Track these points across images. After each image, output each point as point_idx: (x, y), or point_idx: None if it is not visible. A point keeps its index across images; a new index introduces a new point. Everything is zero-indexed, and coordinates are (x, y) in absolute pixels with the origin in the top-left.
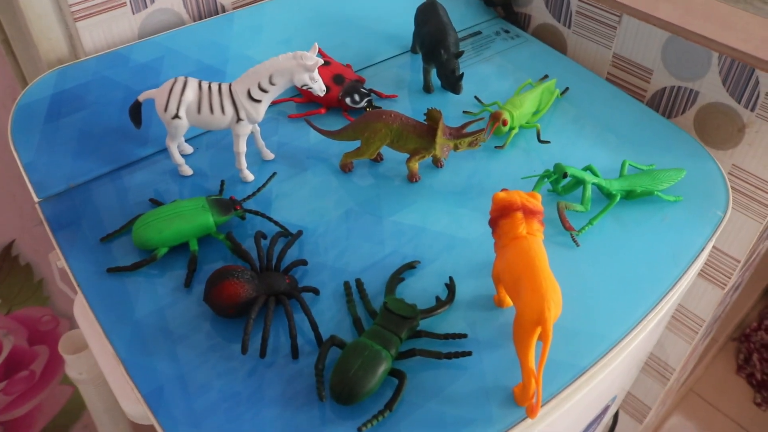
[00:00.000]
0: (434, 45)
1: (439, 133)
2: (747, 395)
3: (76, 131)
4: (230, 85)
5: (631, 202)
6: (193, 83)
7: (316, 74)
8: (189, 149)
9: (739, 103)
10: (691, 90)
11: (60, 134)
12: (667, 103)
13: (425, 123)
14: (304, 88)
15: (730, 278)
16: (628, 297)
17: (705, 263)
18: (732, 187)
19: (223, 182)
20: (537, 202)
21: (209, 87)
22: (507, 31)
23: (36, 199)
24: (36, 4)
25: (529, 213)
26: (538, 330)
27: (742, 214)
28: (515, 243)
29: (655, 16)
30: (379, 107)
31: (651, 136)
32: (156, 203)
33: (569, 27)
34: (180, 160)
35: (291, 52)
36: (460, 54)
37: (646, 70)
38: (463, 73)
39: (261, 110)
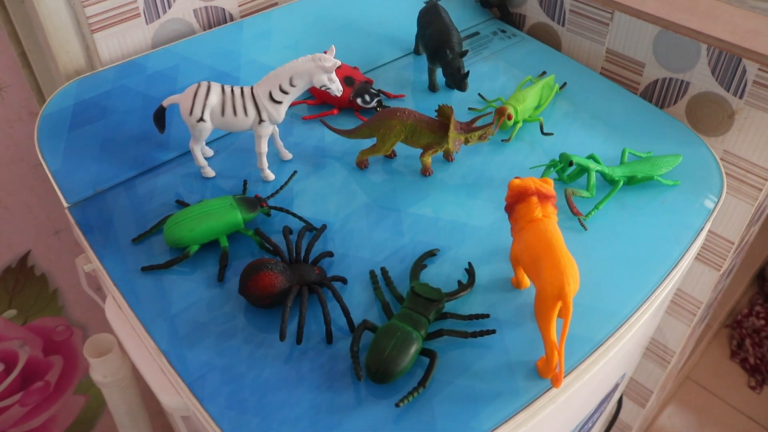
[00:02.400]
0: (439, 45)
1: (452, 127)
2: (742, 379)
3: (100, 138)
4: (252, 88)
5: (633, 188)
6: (216, 87)
7: (333, 75)
8: (210, 152)
9: (728, 91)
10: (682, 81)
11: (84, 142)
12: (659, 94)
13: (437, 119)
14: (323, 88)
15: (725, 260)
16: (636, 276)
17: (702, 246)
18: (725, 172)
19: (246, 182)
20: (550, 187)
21: (232, 90)
22: (504, 31)
23: (65, 205)
24: (55, 17)
25: (543, 197)
26: (559, 304)
27: (734, 197)
28: (532, 225)
29: (645, 12)
30: (389, 107)
31: (646, 125)
32: (182, 204)
33: (563, 25)
34: (203, 162)
35: (310, 55)
36: (464, 53)
37: (638, 64)
38: (468, 71)
39: (282, 111)
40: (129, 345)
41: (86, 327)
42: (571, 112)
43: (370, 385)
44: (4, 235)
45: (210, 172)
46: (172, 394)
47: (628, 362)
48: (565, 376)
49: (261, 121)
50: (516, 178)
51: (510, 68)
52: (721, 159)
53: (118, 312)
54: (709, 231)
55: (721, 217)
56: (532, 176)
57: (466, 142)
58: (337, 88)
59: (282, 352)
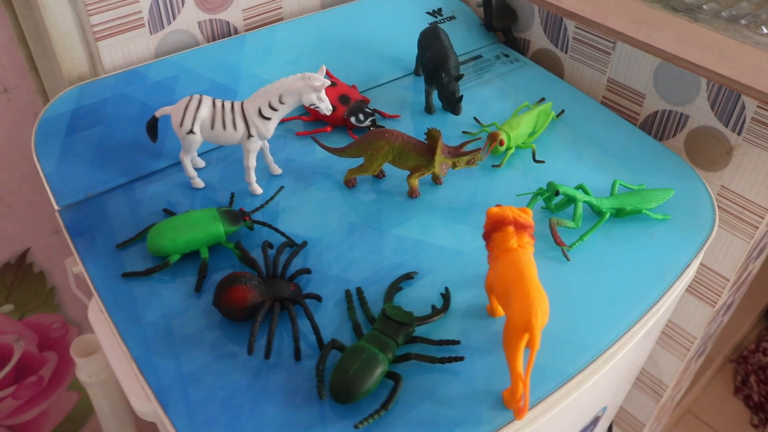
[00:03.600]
0: (436, 68)
1: (438, 151)
2: (744, 417)
3: (95, 144)
4: (242, 104)
5: (622, 220)
6: (207, 101)
7: (323, 94)
8: (201, 163)
9: (726, 126)
10: (682, 114)
11: (80, 147)
12: (659, 126)
13: (425, 142)
14: (312, 107)
15: (719, 296)
16: (615, 309)
17: (695, 281)
18: (721, 208)
19: (233, 195)
20: (528, 217)
21: (222, 105)
22: (507, 55)
23: (56, 207)
24: (61, 24)
25: (520, 227)
26: (526, 336)
27: (731, 233)
28: (506, 255)
29: (647, 43)
30: (383, 126)
31: (643, 157)
32: (169, 213)
33: (566, 52)
34: (193, 173)
35: (300, 74)
36: (460, 77)
37: (639, 95)
38: (462, 96)
39: (270, 127)
40: (107, 348)
41: (81, 326)
42: (567, 140)
43: (334, 405)
44: (4, 232)
45: (199, 183)
46: (143, 399)
47: (610, 395)
48: (530, 408)
49: (250, 136)
50: (498, 206)
51: (509, 93)
52: (718, 195)
53: (99, 315)
54: (705, 266)
55: (717, 253)
56: (512, 205)
57: (454, 166)
58: (326, 107)
59: (251, 366)
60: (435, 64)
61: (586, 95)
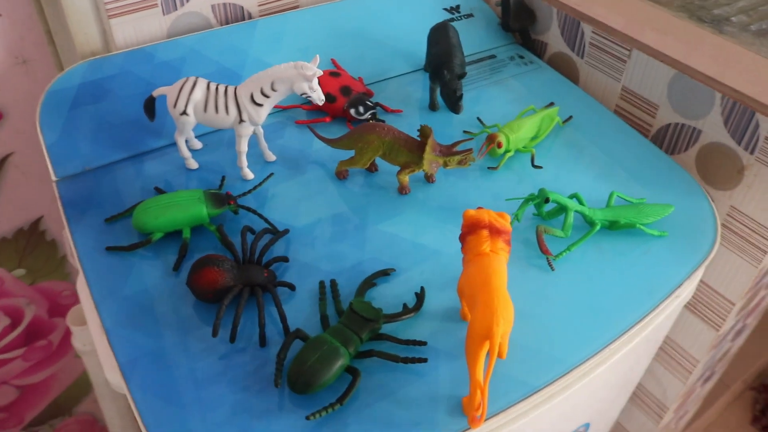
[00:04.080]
0: (440, 65)
1: (428, 149)
2: None
3: (98, 119)
4: (236, 89)
5: (617, 234)
6: (202, 84)
7: (315, 84)
8: (198, 145)
9: (739, 144)
10: (694, 128)
11: (83, 120)
12: (671, 139)
13: (418, 139)
14: (303, 96)
15: (724, 320)
16: (594, 324)
17: (700, 303)
18: (729, 229)
19: (223, 178)
20: (505, 222)
21: (216, 88)
22: (521, 57)
23: (54, 178)
24: (75, 0)
25: (495, 232)
26: (487, 343)
27: (738, 256)
28: (477, 259)
29: (662, 53)
30: (383, 120)
31: (649, 170)
32: (160, 191)
33: (582, 57)
34: (187, 153)
35: (292, 62)
36: (462, 75)
37: (652, 105)
38: (462, 94)
39: (262, 113)
40: (89, 318)
41: None
42: (573, 147)
43: (291, 395)
44: (19, 198)
45: (193, 164)
46: (115, 371)
47: (592, 412)
48: (489, 418)
49: (241, 121)
50: (478, 208)
51: (519, 95)
52: (727, 215)
53: (84, 286)
54: (710, 288)
55: (723, 276)
56: (504, 211)
57: (445, 165)
58: (318, 96)
59: (216, 348)
60: (439, 61)
61: (598, 102)
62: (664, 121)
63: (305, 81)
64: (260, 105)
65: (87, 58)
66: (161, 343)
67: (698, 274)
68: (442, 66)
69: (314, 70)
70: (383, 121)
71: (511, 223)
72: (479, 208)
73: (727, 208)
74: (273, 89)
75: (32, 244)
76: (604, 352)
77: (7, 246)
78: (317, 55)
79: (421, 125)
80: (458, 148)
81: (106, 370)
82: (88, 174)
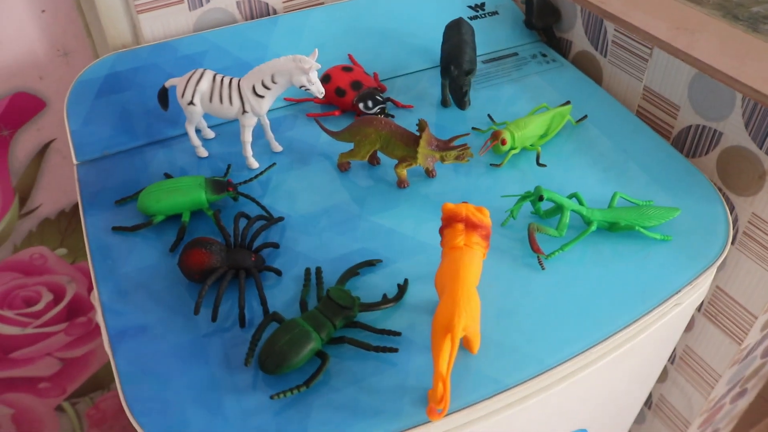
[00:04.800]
0: (449, 61)
1: (422, 143)
2: None
3: (120, 108)
4: (239, 81)
5: (621, 236)
6: (208, 75)
7: (313, 77)
8: (211, 134)
9: (760, 148)
10: (715, 130)
11: (105, 109)
12: (692, 142)
13: (416, 133)
14: (303, 89)
15: (747, 334)
16: (579, 327)
17: (721, 314)
18: (751, 237)
19: (229, 166)
20: (483, 216)
21: (222, 80)
22: (544, 55)
23: (75, 162)
24: None
25: (471, 226)
26: (450, 336)
27: (760, 266)
28: (451, 252)
29: (683, 51)
30: (392, 116)
31: (664, 173)
32: (169, 177)
33: (605, 56)
34: (197, 142)
35: (291, 55)
36: (470, 72)
37: (673, 106)
38: (467, 90)
39: (264, 105)
40: (94, 293)
41: None
42: (587, 147)
43: (264, 375)
44: (61, 181)
45: (203, 152)
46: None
47: (586, 417)
48: (455, 412)
49: (244, 111)
50: (463, 203)
51: (536, 93)
52: (748, 222)
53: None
54: (731, 299)
55: (744, 287)
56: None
57: (442, 160)
58: (317, 89)
59: (199, 326)
60: (449, 57)
61: (617, 102)
62: (686, 123)
63: (303, 74)
64: (262, 97)
65: (118, 50)
66: (150, 318)
67: (704, 282)
68: (451, 62)
69: (311, 63)
70: (393, 116)
71: (506, 220)
72: (464, 202)
73: (748, 215)
74: (273, 81)
75: (73, 225)
76: (585, 355)
77: (51, 226)
78: (316, 50)
79: (419, 119)
80: (456, 143)
81: (105, 343)
82: (107, 159)
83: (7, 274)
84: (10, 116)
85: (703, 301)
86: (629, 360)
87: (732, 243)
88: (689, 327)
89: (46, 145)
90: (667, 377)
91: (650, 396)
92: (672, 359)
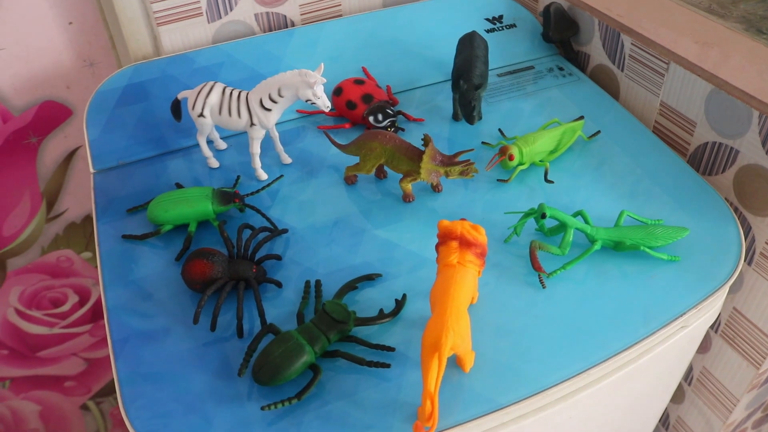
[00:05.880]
0: (459, 75)
1: (425, 158)
2: None
3: (136, 119)
4: (247, 94)
5: (627, 256)
6: (218, 88)
7: (318, 91)
8: (223, 145)
9: None
10: (732, 148)
11: (123, 119)
12: (708, 159)
13: (421, 148)
14: (309, 102)
15: (765, 358)
16: (577, 347)
17: (738, 336)
18: (764, 257)
19: (238, 177)
20: (478, 234)
21: (231, 93)
22: (561, 69)
23: (92, 170)
24: (128, 9)
25: (465, 243)
26: (437, 355)
27: None
28: (444, 269)
29: (700, 67)
30: (403, 129)
31: (678, 191)
32: (179, 187)
33: (622, 70)
34: (208, 153)
35: (297, 69)
36: (479, 86)
37: (689, 122)
38: (475, 105)
39: (271, 118)
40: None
41: None
42: (599, 163)
43: (257, 386)
44: (87, 187)
45: (214, 163)
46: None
47: None
48: (442, 431)
49: (252, 124)
50: (461, 219)
51: (550, 107)
52: (766, 243)
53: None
54: (749, 322)
55: (762, 309)
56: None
57: (447, 175)
58: (323, 103)
59: (198, 335)
60: (459, 71)
61: (633, 117)
62: (702, 140)
63: (308, 88)
64: (269, 110)
65: (139, 61)
66: (152, 325)
67: (714, 304)
68: (461, 76)
69: (316, 77)
70: (403, 130)
71: (509, 237)
72: (462, 219)
73: (766, 236)
74: (280, 95)
75: None
76: (583, 377)
77: (76, 230)
78: (321, 64)
79: (423, 134)
80: (461, 158)
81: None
82: (122, 168)
83: (35, 276)
84: (38, 124)
85: (719, 323)
86: (633, 381)
87: (749, 264)
88: (705, 348)
89: (73, 152)
90: (684, 398)
91: (668, 417)
92: (689, 380)
